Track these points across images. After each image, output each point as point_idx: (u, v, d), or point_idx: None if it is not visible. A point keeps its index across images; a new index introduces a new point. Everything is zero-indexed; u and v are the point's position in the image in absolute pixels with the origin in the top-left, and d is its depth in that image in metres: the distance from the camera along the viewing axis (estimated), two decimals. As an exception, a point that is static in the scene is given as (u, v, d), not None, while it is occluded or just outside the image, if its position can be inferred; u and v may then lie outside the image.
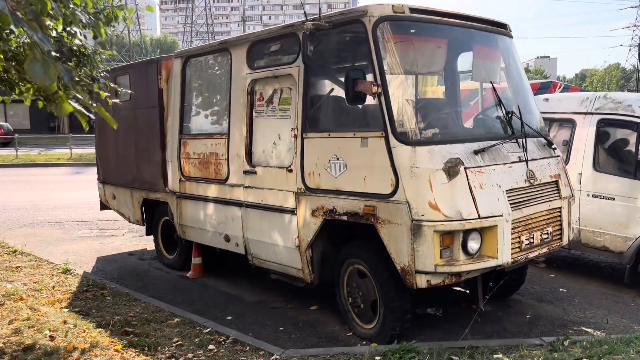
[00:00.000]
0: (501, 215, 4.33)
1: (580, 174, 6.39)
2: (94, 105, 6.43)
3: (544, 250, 4.82)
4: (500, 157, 4.60)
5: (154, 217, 7.75)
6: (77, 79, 6.78)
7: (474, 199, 4.25)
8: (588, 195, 6.33)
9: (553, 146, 5.30)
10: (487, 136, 4.75)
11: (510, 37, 5.57)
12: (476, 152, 4.45)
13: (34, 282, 6.12)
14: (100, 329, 4.57)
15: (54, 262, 7.09)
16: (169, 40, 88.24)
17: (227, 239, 6.14)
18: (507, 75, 5.55)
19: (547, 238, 4.87)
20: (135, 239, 9.18)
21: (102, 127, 8.62)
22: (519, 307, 5.73)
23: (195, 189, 6.54)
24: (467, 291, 5.74)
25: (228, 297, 6.18)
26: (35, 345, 4.15)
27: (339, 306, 5.18)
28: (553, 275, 6.85)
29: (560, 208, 5.01)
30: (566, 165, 6.49)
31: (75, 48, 6.48)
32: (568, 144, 6.58)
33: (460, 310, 5.50)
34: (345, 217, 4.71)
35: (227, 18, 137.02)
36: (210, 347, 4.36)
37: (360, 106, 4.62)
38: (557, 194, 5.02)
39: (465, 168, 4.28)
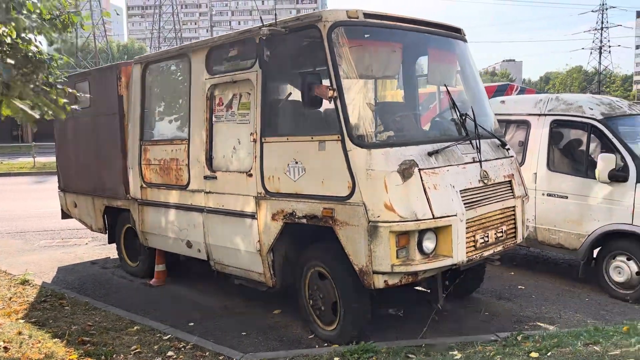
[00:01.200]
0: (455, 215, 4.43)
1: (536, 173, 6.58)
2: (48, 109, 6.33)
3: (499, 248, 4.95)
4: (454, 158, 4.71)
5: (117, 224, 7.65)
6: (33, 85, 6.69)
7: (428, 199, 4.34)
8: (543, 194, 6.52)
9: (507, 147, 5.44)
10: (441, 138, 4.86)
11: (465, 41, 5.70)
12: (430, 154, 4.54)
13: (-10, 294, 5.99)
14: (56, 339, 4.50)
15: (12, 273, 6.94)
16: (136, 46, 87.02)
17: (189, 245, 6.12)
18: (462, 79, 5.69)
19: (502, 236, 5.00)
20: (99, 248, 9.05)
21: (62, 134, 8.49)
22: (478, 305, 5.85)
23: (157, 196, 6.50)
24: (429, 290, 5.82)
25: (191, 303, 6.15)
26: (-13, 357, 4.08)
27: (301, 309, 5.21)
28: (512, 273, 7.02)
29: (514, 207, 5.14)
30: (522, 165, 6.69)
31: (30, 54, 6.39)
32: (524, 145, 6.76)
33: (422, 310, 5.58)
34: (304, 220, 4.75)
35: (195, 24, 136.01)
36: (170, 353, 4.34)
37: (317, 110, 4.67)
38: (511, 194, 5.15)
39: (419, 169, 4.37)
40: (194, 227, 5.97)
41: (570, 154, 6.54)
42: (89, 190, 7.86)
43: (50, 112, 6.59)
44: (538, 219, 6.57)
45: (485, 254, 4.79)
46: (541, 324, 5.24)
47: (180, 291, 6.60)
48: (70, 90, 6.89)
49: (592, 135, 6.22)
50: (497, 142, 5.36)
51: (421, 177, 4.37)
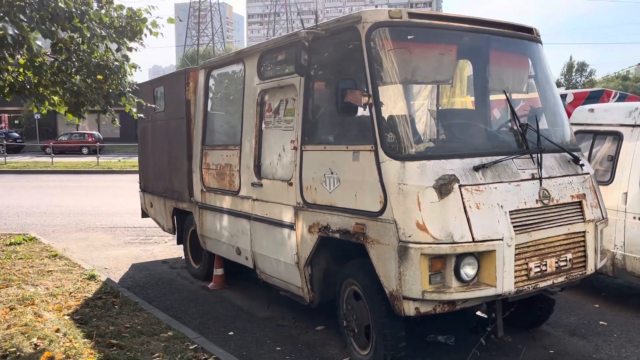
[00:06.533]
0: (501, 239, 3.88)
1: (626, 193, 5.68)
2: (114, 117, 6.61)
3: (561, 279, 4.28)
4: (507, 174, 4.15)
5: (184, 226, 7.82)
6: (105, 92, 6.98)
7: (468, 220, 3.84)
8: (634, 217, 5.61)
9: (581, 162, 4.72)
10: (495, 151, 4.27)
11: (538, 42, 5.06)
12: (476, 169, 4.03)
13: (56, 287, 6.31)
14: (86, 340, 4.58)
15: (84, 268, 7.30)
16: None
17: (238, 252, 6.05)
18: (534, 85, 5.05)
19: (566, 266, 4.33)
20: (175, 247, 9.30)
21: (143, 137, 8.87)
22: (545, 340, 5.15)
23: (213, 200, 6.51)
24: (486, 316, 5.23)
25: (239, 311, 6.06)
26: (15, 352, 4.22)
27: (340, 328, 4.91)
28: (597, 306, 6.14)
29: (584, 232, 4.44)
30: (610, 183, 5.86)
31: (102, 63, 6.69)
32: (613, 160, 5.89)
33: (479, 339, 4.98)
34: (337, 235, 4.45)
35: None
36: (187, 364, 4.24)
37: (353, 118, 4.34)
38: (581, 217, 4.45)
39: (460, 186, 3.89)
40: (242, 234, 5.88)
41: (669, 172, 5.58)
42: (161, 192, 8.11)
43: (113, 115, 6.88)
44: (627, 246, 5.67)
45: (542, 284, 4.16)
46: (614, 371, 4.48)
47: (233, 297, 6.55)
48: (137, 99, 7.17)
49: (697, 151, 5.26)
50: (568, 156, 4.67)
51: (462, 195, 3.88)
